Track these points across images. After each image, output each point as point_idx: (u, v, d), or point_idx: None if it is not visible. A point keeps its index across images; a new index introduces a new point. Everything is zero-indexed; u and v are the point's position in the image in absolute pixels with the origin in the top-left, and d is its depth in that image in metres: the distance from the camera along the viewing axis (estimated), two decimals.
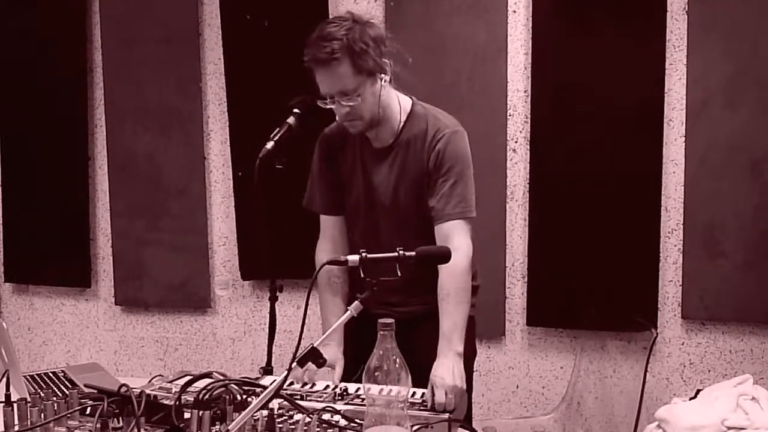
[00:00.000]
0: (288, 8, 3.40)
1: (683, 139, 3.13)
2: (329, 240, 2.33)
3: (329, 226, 2.33)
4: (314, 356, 1.75)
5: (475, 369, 3.20)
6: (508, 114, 3.29)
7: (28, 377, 2.11)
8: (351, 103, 2.07)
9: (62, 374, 2.19)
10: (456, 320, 2.09)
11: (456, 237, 2.14)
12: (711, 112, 3.08)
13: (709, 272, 3.11)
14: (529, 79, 3.25)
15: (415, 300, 2.24)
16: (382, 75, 2.08)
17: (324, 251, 2.32)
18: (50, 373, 2.20)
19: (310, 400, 1.93)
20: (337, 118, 2.15)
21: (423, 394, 1.98)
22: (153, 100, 3.66)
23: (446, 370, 2.01)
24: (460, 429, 1.90)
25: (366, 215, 2.25)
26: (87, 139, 3.77)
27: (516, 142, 3.30)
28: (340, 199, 2.29)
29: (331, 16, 3.30)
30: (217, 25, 3.56)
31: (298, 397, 1.94)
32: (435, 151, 2.15)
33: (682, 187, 3.14)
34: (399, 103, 2.19)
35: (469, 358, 2.21)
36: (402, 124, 2.19)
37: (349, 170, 2.25)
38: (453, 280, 2.11)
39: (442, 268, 2.11)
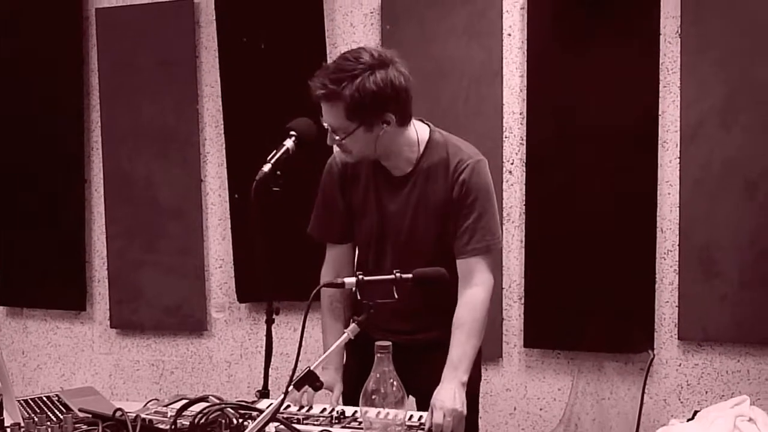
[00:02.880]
0: (284, 31, 3.43)
1: (678, 160, 3.15)
2: (333, 269, 2.28)
3: (334, 254, 2.29)
4: (311, 379, 1.75)
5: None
6: (504, 136, 3.30)
7: (22, 402, 2.09)
8: (337, 140, 2.05)
9: (57, 398, 2.17)
10: (466, 350, 2.08)
11: (478, 272, 2.12)
12: (705, 134, 3.10)
13: (705, 293, 3.11)
14: (525, 101, 3.27)
15: (426, 328, 2.22)
16: (383, 126, 2.03)
17: (327, 278, 2.27)
18: (44, 398, 2.18)
19: (306, 424, 1.91)
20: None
21: (421, 417, 1.97)
22: (149, 123, 3.67)
23: (448, 394, 2.00)
24: None
25: (377, 245, 2.21)
26: (83, 161, 3.78)
27: (512, 163, 3.31)
28: (348, 228, 2.25)
29: (327, 39, 3.36)
30: (213, 47, 3.58)
31: (295, 420, 1.92)
32: (459, 182, 2.11)
33: (678, 209, 3.16)
34: (416, 133, 2.15)
35: (474, 380, 2.19)
36: (421, 153, 2.15)
37: (361, 198, 2.20)
38: (471, 312, 2.10)
39: (462, 300, 2.11)
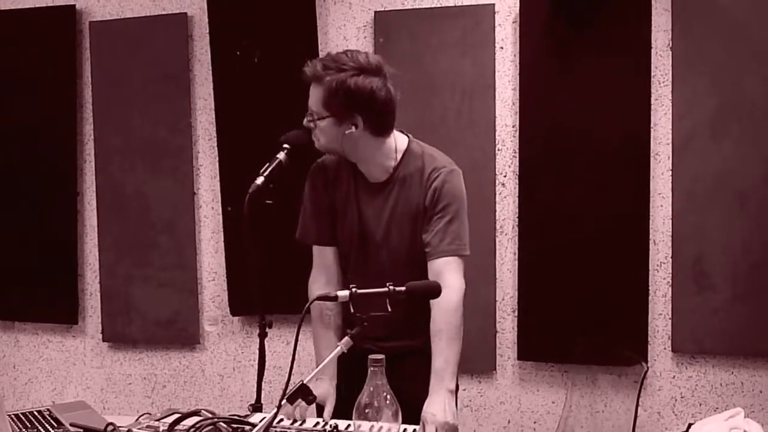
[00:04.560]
0: (278, 45, 3.43)
1: (670, 173, 3.16)
2: (322, 271, 2.31)
3: (322, 256, 2.31)
4: (304, 393, 1.74)
5: (466, 404, 3.20)
6: (496, 149, 3.31)
7: (13, 416, 2.08)
8: (309, 120, 2.14)
9: (48, 413, 2.16)
10: (448, 357, 2.09)
11: (448, 274, 2.14)
12: (697, 146, 3.11)
13: (699, 305, 3.12)
14: (517, 114, 3.28)
15: (402, 336, 2.23)
16: (351, 127, 2.10)
17: (317, 283, 2.30)
18: (35, 412, 2.16)
19: None
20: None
21: (414, 430, 1.97)
22: (142, 136, 3.67)
23: (438, 406, 2.00)
24: None
25: (358, 248, 2.25)
26: (76, 174, 3.77)
27: (505, 176, 3.32)
28: (333, 230, 2.29)
29: (320, 52, 3.37)
30: (207, 61, 3.59)
31: None
32: (432, 189, 2.17)
33: (670, 221, 3.16)
34: (395, 143, 2.21)
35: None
36: (398, 161, 2.21)
37: (343, 201, 2.26)
38: (446, 317, 2.11)
39: (435, 305, 2.11)
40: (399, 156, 2.21)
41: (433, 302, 2.10)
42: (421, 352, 2.14)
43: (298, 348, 1.82)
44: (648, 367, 3.16)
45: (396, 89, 2.13)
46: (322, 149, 2.21)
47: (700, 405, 3.18)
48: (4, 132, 3.82)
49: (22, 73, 3.77)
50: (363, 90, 2.07)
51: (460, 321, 2.14)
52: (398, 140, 2.22)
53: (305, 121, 2.16)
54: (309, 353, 2.37)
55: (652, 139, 3.16)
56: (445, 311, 2.11)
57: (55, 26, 3.73)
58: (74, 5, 3.71)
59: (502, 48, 3.30)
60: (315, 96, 2.11)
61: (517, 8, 3.25)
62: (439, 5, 3.34)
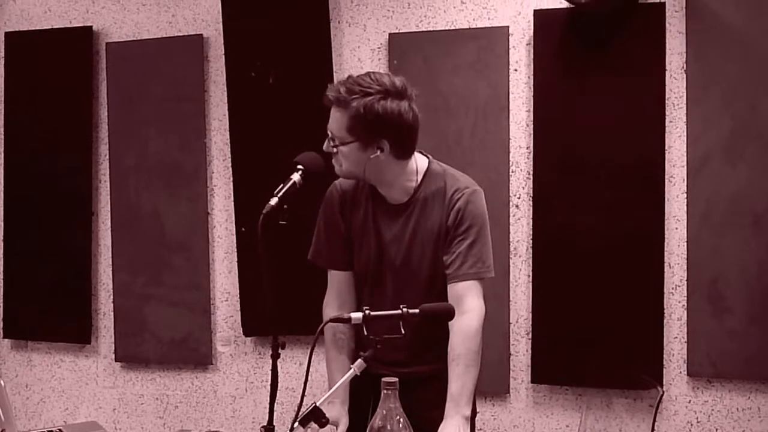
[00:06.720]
0: (293, 66, 3.45)
1: (685, 195, 3.14)
2: (336, 295, 2.29)
3: (337, 280, 2.30)
4: (316, 415, 1.74)
5: (479, 428, 3.17)
6: (510, 170, 3.30)
7: None
8: (332, 146, 2.11)
9: None
10: (465, 383, 2.06)
11: (469, 298, 2.12)
12: (712, 169, 3.10)
13: (714, 329, 3.09)
14: (531, 135, 3.28)
15: (421, 360, 2.21)
16: (377, 151, 2.07)
17: (330, 306, 2.29)
18: None
19: None
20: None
21: None
22: (157, 156, 3.69)
23: (452, 431, 1.98)
24: None
25: (375, 272, 2.23)
26: (91, 194, 3.79)
27: (519, 198, 3.31)
28: (348, 254, 2.27)
29: (335, 74, 3.38)
30: (222, 81, 3.61)
31: None
32: (455, 210, 2.15)
33: (685, 243, 3.14)
34: (416, 164, 2.19)
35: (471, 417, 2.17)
36: (418, 182, 2.19)
37: (360, 225, 2.23)
38: (465, 342, 2.09)
39: (454, 330, 2.09)
40: (419, 177, 2.19)
41: (453, 327, 2.08)
42: (438, 378, 2.12)
43: (310, 369, 1.81)
44: (663, 391, 3.13)
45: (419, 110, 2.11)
46: (344, 175, 2.18)
47: (717, 430, 3.14)
48: (20, 152, 3.85)
49: (38, 94, 3.81)
50: (391, 114, 2.03)
51: (479, 346, 2.12)
52: (418, 161, 2.20)
53: (326, 146, 2.13)
54: (321, 375, 2.37)
55: (666, 162, 3.15)
56: (465, 336, 2.09)
57: (71, 47, 3.77)
58: (91, 27, 3.76)
59: (516, 70, 3.30)
60: (338, 121, 2.07)
61: (531, 30, 3.26)
62: (453, 27, 3.36)
